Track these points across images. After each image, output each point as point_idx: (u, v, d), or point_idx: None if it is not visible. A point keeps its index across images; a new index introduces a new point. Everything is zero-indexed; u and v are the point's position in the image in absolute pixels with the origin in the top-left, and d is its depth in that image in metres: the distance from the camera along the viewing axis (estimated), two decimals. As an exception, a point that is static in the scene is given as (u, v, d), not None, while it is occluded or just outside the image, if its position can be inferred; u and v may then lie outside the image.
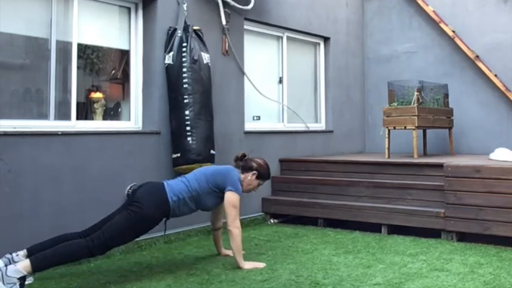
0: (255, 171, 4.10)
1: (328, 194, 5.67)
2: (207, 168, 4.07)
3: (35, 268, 3.28)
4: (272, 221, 5.92)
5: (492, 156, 5.39)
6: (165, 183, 3.85)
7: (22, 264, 3.24)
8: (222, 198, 3.95)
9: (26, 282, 3.30)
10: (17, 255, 3.51)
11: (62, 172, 4.18)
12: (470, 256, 4.23)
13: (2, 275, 3.16)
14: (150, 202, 3.67)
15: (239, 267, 3.91)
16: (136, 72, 5.04)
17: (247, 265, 3.93)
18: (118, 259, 4.27)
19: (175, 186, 3.83)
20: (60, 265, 3.57)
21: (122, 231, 3.55)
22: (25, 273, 3.23)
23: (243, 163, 4.15)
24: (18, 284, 3.18)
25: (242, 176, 4.09)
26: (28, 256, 3.45)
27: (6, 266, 3.25)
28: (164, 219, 3.84)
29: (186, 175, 4.01)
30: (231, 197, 3.90)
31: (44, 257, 3.33)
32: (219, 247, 4.39)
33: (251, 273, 3.80)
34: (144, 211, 3.61)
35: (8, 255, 3.51)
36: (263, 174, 4.16)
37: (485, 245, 4.57)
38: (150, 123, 4.97)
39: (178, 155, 4.81)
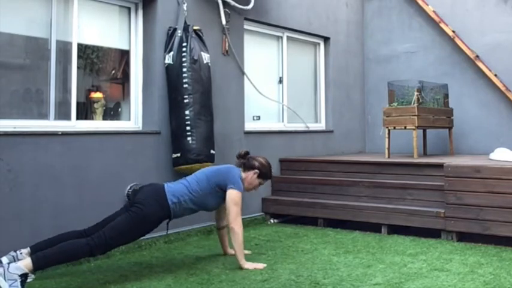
0: (256, 170, 4.08)
1: (328, 194, 5.67)
2: (208, 169, 4.08)
3: (36, 267, 3.27)
4: (272, 221, 5.92)
5: (492, 156, 5.39)
6: (165, 185, 3.85)
7: (24, 262, 3.25)
8: (224, 198, 3.93)
9: (28, 280, 3.30)
10: (21, 253, 3.54)
11: (62, 172, 4.18)
12: (470, 256, 4.23)
13: (4, 271, 3.17)
14: (151, 204, 3.68)
15: (240, 266, 3.90)
16: (136, 72, 5.04)
17: (248, 265, 3.92)
18: (118, 259, 4.27)
19: (175, 189, 3.83)
20: (61, 264, 3.57)
21: (123, 232, 3.57)
22: (26, 270, 3.23)
23: (245, 161, 4.12)
24: (19, 280, 3.18)
25: (244, 174, 4.08)
26: (31, 254, 3.46)
27: (9, 263, 3.26)
28: (167, 220, 3.86)
29: (187, 177, 4.00)
30: (232, 195, 3.89)
31: (45, 256, 3.33)
32: (224, 247, 4.37)
33: (251, 273, 3.80)
34: (145, 212, 3.63)
35: (13, 253, 3.54)
36: (265, 173, 4.13)
37: (485, 245, 4.57)
38: (150, 123, 4.97)
39: (179, 155, 4.81)
